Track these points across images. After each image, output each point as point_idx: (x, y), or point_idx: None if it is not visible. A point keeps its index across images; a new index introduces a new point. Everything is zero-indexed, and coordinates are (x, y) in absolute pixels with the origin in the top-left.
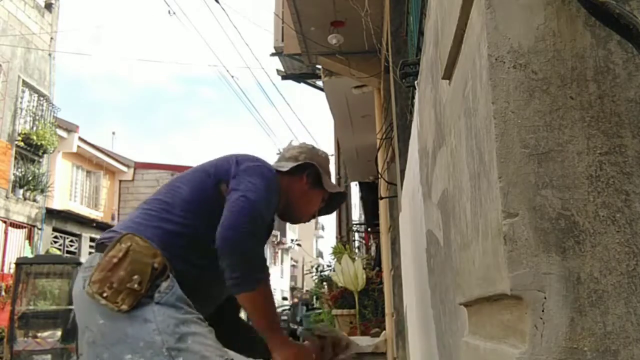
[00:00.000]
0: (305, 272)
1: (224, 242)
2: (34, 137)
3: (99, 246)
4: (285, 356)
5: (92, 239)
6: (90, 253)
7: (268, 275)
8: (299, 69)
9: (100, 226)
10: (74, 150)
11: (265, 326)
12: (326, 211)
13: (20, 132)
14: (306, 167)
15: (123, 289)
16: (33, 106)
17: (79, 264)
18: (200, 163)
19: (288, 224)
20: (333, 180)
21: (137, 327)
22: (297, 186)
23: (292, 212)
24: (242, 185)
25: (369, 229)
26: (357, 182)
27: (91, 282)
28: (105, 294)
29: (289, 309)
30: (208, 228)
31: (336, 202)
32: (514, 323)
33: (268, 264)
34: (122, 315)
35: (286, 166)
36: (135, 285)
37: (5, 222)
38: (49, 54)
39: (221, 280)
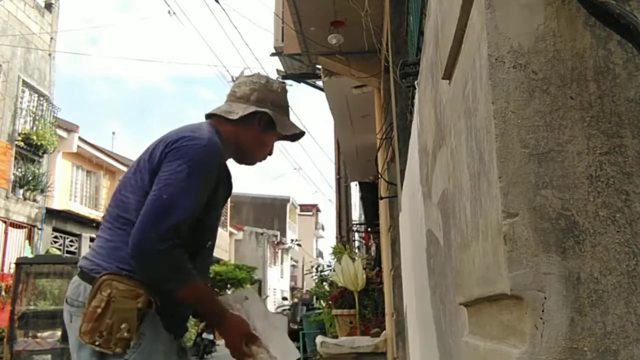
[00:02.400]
0: (305, 272)
1: (133, 256)
2: (34, 137)
3: (79, 272)
4: (227, 328)
5: (92, 239)
6: None
7: (189, 279)
8: (299, 69)
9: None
10: (74, 150)
11: (201, 308)
12: (289, 139)
13: (20, 132)
14: (257, 114)
15: (113, 338)
16: (33, 106)
17: None
18: (140, 155)
19: (288, 225)
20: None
21: None
22: (249, 133)
23: (245, 157)
24: (161, 181)
25: (369, 229)
26: (357, 182)
27: (82, 334)
28: (97, 342)
29: (289, 309)
30: None
31: (296, 137)
32: (514, 323)
33: (268, 263)
34: (117, 356)
35: (235, 112)
36: (125, 334)
37: (5, 222)
38: (49, 54)
39: (203, 265)
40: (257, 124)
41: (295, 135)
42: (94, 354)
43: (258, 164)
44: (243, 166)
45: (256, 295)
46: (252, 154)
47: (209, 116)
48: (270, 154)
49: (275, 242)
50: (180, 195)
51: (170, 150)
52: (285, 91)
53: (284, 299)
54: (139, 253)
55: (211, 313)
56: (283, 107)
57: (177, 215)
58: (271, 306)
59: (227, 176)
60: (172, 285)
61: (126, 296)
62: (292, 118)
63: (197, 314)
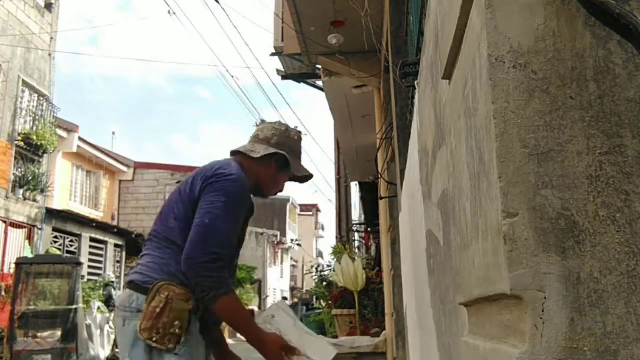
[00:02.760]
0: (305, 272)
1: (185, 269)
2: (34, 137)
3: (131, 284)
4: (267, 349)
5: (92, 239)
6: (90, 253)
7: (227, 287)
8: (299, 69)
9: (100, 226)
10: (74, 150)
11: (240, 331)
12: (298, 181)
13: (20, 132)
14: (275, 155)
15: (167, 334)
16: (33, 106)
17: (79, 264)
18: (181, 186)
19: (288, 225)
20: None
21: None
22: (266, 171)
23: (261, 190)
24: (203, 209)
25: (369, 229)
26: (357, 182)
27: (142, 331)
28: (154, 339)
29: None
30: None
31: (305, 179)
32: (514, 323)
33: (268, 263)
34: (169, 351)
35: (257, 152)
36: (177, 330)
37: (5, 222)
38: (49, 54)
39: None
40: (274, 164)
41: (305, 177)
42: (147, 351)
43: (269, 195)
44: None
45: (281, 310)
46: (267, 189)
47: (233, 152)
48: (281, 190)
49: (275, 242)
50: (218, 220)
51: (208, 184)
52: (300, 139)
53: (284, 299)
54: (191, 267)
55: (248, 331)
56: (297, 152)
57: (217, 236)
58: None
59: (251, 204)
60: (215, 293)
61: (181, 299)
62: (292, 117)
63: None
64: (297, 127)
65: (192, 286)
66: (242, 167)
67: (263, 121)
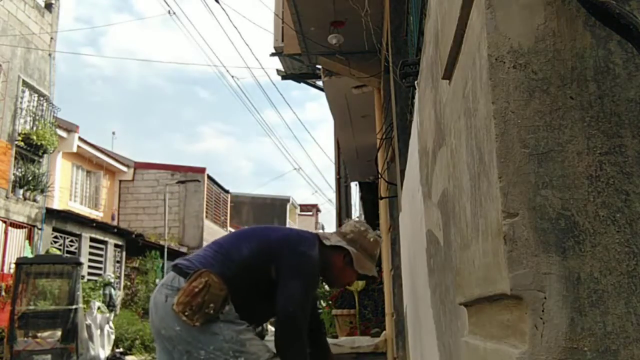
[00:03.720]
0: None
1: (279, 348)
2: (34, 137)
3: (175, 268)
4: None
5: (92, 239)
6: (90, 253)
7: (303, 354)
8: (299, 69)
9: (100, 226)
10: (74, 150)
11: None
12: (363, 278)
13: (20, 132)
14: (343, 249)
15: (199, 311)
16: (33, 106)
17: (79, 264)
18: (263, 230)
19: (288, 224)
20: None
21: (208, 336)
22: (336, 260)
23: (330, 278)
24: (284, 289)
25: None
26: (357, 182)
27: (177, 303)
28: (186, 313)
29: None
30: (250, 285)
31: (369, 277)
32: (514, 323)
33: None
34: (196, 327)
35: (329, 240)
36: (211, 311)
37: (5, 222)
38: (49, 54)
39: (254, 310)
40: (342, 257)
41: (368, 276)
42: (177, 324)
43: (336, 287)
44: (245, 168)
45: None
46: (334, 278)
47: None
48: (349, 284)
49: None
50: (302, 306)
51: (292, 263)
52: (377, 242)
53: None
54: (286, 317)
55: None
56: (370, 253)
57: (304, 308)
58: None
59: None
60: (295, 353)
61: (218, 286)
62: (292, 117)
63: None
64: (378, 232)
65: (280, 338)
66: (322, 255)
67: (353, 219)
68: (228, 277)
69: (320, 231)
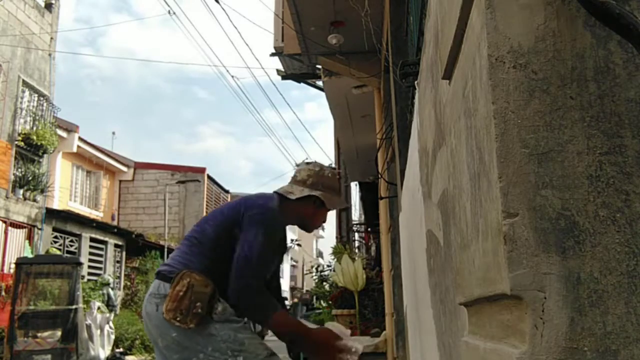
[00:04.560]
0: (305, 272)
1: (234, 299)
2: (34, 137)
3: (159, 274)
4: (316, 340)
5: (92, 239)
6: (90, 253)
7: (273, 306)
8: (299, 69)
9: (100, 226)
10: (74, 150)
11: (296, 338)
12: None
13: (20, 132)
14: (312, 197)
15: (189, 313)
16: (33, 106)
17: (79, 264)
18: (221, 206)
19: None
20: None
21: (205, 338)
22: (306, 210)
23: (306, 225)
24: (242, 241)
25: (369, 229)
26: (357, 182)
27: (166, 311)
28: (178, 318)
29: (289, 309)
30: (230, 259)
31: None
32: (514, 323)
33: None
34: (191, 330)
35: (294, 194)
36: (199, 310)
37: (5, 222)
38: (49, 54)
39: None
40: (312, 204)
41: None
42: (171, 330)
43: (313, 229)
44: (244, 168)
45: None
46: (311, 223)
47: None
48: (324, 221)
49: None
50: (256, 252)
51: (250, 215)
52: (335, 175)
53: (284, 298)
54: (238, 293)
55: (300, 333)
56: (333, 187)
57: (258, 265)
58: None
59: (283, 239)
60: (267, 311)
61: (201, 284)
62: (292, 117)
63: (291, 342)
64: (331, 164)
65: (242, 311)
66: (281, 206)
67: (302, 162)
68: (209, 267)
69: (281, 188)
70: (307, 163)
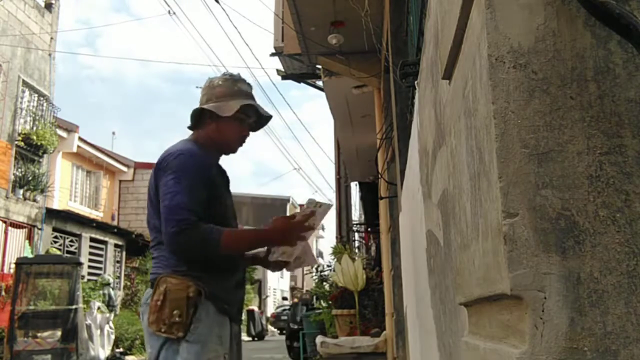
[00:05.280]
0: (305, 272)
1: (172, 251)
2: (34, 137)
3: (148, 283)
4: (279, 237)
5: (92, 239)
6: (90, 253)
7: (216, 232)
8: (299, 69)
9: (100, 226)
10: (74, 150)
11: (254, 248)
12: (260, 123)
13: (20, 132)
14: (201, 113)
15: (172, 323)
16: (33, 106)
17: (79, 264)
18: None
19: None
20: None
21: (170, 354)
22: (208, 130)
23: (222, 147)
24: (163, 192)
25: (369, 229)
26: (357, 182)
27: (150, 324)
28: (162, 329)
29: (289, 309)
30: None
31: (264, 119)
32: (514, 323)
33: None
34: (179, 339)
35: (190, 122)
36: (177, 319)
37: (5, 222)
38: (49, 54)
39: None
40: (208, 121)
41: (262, 118)
42: (162, 341)
43: (239, 149)
44: (244, 168)
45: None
46: (225, 145)
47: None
48: (242, 136)
49: None
50: (175, 196)
51: (160, 170)
52: (227, 79)
53: (284, 299)
54: (174, 245)
55: (259, 242)
56: (228, 94)
57: (179, 208)
58: (271, 306)
59: (212, 168)
60: (211, 241)
61: (178, 288)
62: (292, 117)
63: (254, 258)
64: (224, 73)
65: (189, 258)
66: (196, 140)
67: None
68: (181, 260)
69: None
70: (203, 88)
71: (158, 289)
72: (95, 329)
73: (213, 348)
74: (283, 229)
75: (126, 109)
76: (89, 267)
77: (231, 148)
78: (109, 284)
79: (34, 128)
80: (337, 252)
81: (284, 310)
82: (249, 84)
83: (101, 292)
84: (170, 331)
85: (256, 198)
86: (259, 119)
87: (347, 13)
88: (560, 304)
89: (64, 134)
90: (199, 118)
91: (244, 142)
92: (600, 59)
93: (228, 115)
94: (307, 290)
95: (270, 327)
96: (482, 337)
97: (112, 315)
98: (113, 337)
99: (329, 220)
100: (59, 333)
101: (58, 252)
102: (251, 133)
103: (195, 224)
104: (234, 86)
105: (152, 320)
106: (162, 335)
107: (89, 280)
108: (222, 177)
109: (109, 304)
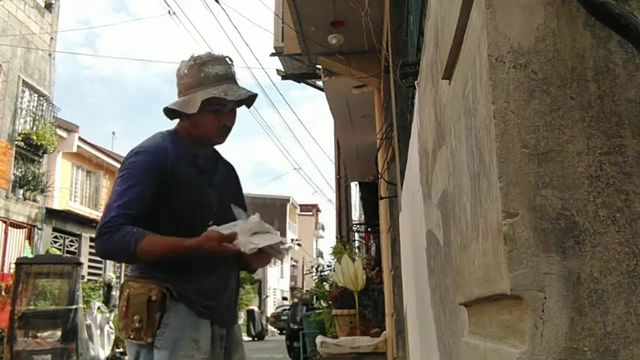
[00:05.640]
0: (305, 272)
1: (100, 255)
2: (34, 137)
3: None
4: (205, 247)
5: (92, 239)
6: (90, 253)
7: (134, 237)
8: (299, 69)
9: None
10: (74, 150)
11: (174, 253)
12: (243, 104)
13: (20, 132)
14: (172, 112)
15: (135, 329)
16: (33, 106)
17: (79, 264)
18: None
19: (288, 225)
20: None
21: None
22: (186, 125)
23: (204, 142)
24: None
25: (369, 229)
26: (357, 182)
27: (120, 331)
28: (131, 336)
29: (289, 309)
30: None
31: (246, 98)
32: (514, 323)
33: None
34: (149, 345)
35: (181, 122)
36: (137, 324)
37: (5, 222)
38: (49, 54)
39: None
40: (183, 116)
41: (242, 99)
42: (135, 348)
43: (222, 139)
44: (244, 168)
45: (246, 217)
46: (205, 137)
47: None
48: (223, 128)
49: None
50: (113, 198)
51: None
52: (192, 66)
53: (284, 299)
54: (95, 248)
55: (180, 248)
56: (194, 84)
57: (109, 214)
58: (271, 306)
59: (197, 165)
60: (127, 250)
61: (140, 292)
62: (292, 117)
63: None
64: (192, 55)
65: (112, 260)
66: (177, 131)
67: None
68: (149, 264)
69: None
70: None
71: (122, 294)
72: (95, 329)
73: (187, 353)
74: (207, 243)
75: (126, 109)
76: (89, 267)
77: (212, 141)
78: (111, 284)
79: (34, 128)
80: (337, 252)
81: (284, 310)
82: (223, 60)
83: (101, 292)
84: (138, 337)
85: (256, 198)
86: (242, 100)
87: (347, 13)
88: (560, 304)
89: (64, 134)
90: (174, 114)
91: (227, 131)
92: (600, 59)
93: (194, 112)
94: (307, 290)
95: (270, 327)
96: (482, 337)
97: (112, 315)
98: (113, 337)
99: (329, 221)
100: (59, 333)
101: (58, 252)
102: (244, 110)
103: (118, 226)
104: (199, 73)
105: (121, 327)
106: (132, 342)
107: (89, 280)
108: (198, 170)
109: (110, 304)
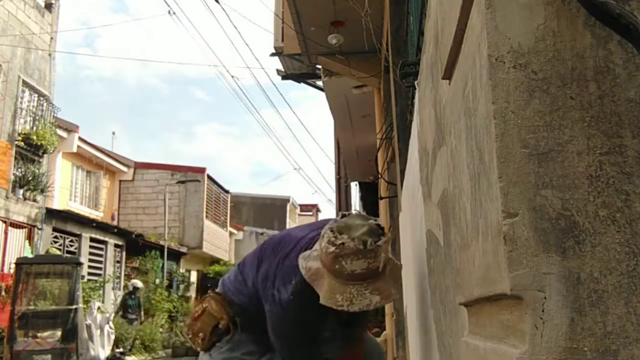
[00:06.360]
0: None
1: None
2: (34, 137)
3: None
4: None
5: (92, 239)
6: (90, 253)
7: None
8: (299, 69)
9: (100, 226)
10: (74, 150)
11: None
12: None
13: (20, 132)
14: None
15: (195, 337)
16: (33, 106)
17: (79, 264)
18: (272, 247)
19: (288, 225)
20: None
21: None
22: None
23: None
24: (269, 324)
25: None
26: (357, 182)
27: (184, 324)
28: (189, 336)
29: None
30: (259, 311)
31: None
32: (514, 323)
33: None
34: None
35: (304, 270)
36: (199, 341)
37: (5, 222)
38: (49, 54)
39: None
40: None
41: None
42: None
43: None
44: (244, 169)
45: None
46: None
47: None
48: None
49: None
50: (280, 343)
51: (267, 292)
52: (331, 253)
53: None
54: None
55: None
56: (328, 266)
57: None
58: None
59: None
60: None
61: (214, 314)
62: (292, 117)
63: None
64: (336, 232)
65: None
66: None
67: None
68: (239, 305)
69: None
70: (326, 234)
71: (201, 303)
72: (95, 329)
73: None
74: None
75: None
76: (89, 267)
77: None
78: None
79: (34, 128)
80: None
81: None
82: (366, 254)
83: (129, 296)
84: (193, 340)
85: (256, 198)
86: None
87: (347, 13)
88: (560, 304)
89: (64, 134)
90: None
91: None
92: (600, 59)
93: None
94: None
95: None
96: (482, 337)
97: (113, 315)
98: (113, 337)
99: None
100: (59, 333)
101: (58, 252)
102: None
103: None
104: (334, 263)
105: (187, 323)
106: (187, 339)
107: (89, 280)
108: (321, 310)
109: (130, 311)
